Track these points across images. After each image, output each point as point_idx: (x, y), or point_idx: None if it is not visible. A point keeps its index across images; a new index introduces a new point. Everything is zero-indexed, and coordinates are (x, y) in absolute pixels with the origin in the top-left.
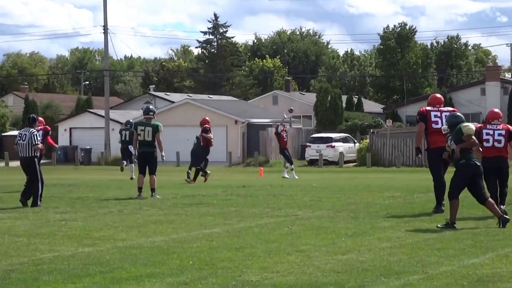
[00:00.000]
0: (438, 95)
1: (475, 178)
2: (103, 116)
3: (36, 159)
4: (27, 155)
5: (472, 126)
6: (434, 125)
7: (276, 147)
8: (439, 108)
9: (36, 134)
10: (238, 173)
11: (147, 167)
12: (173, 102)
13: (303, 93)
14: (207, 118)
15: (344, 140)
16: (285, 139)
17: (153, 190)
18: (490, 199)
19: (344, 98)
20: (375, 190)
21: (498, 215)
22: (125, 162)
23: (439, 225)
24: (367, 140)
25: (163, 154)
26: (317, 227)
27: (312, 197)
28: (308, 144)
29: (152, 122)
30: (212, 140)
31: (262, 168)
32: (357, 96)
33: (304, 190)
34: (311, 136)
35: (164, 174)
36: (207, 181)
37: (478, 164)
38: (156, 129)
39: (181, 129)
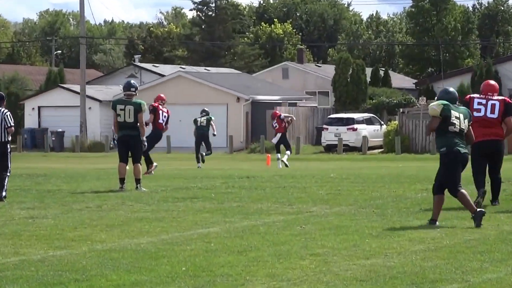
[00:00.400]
0: (492, 82)
1: (458, 165)
2: (78, 93)
3: (9, 145)
4: (2, 140)
5: (435, 105)
6: (475, 113)
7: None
8: (487, 96)
9: (9, 115)
10: (241, 161)
11: (129, 154)
12: (162, 75)
13: (319, 65)
14: (162, 94)
15: (368, 121)
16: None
17: (138, 181)
18: (463, 190)
19: (368, 71)
20: (406, 182)
21: (473, 209)
22: None
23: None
24: (396, 122)
25: (144, 139)
26: (336, 226)
27: (329, 190)
28: (325, 126)
29: (133, 99)
30: (163, 123)
31: (269, 155)
32: (384, 69)
33: (320, 182)
34: (329, 117)
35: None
36: (151, 173)
37: (463, 151)
38: (138, 108)
39: (173, 108)
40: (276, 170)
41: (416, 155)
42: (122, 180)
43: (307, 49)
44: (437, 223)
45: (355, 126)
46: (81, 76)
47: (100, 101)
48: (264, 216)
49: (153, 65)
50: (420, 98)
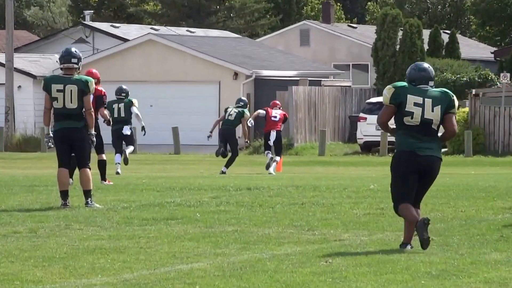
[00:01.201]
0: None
1: (407, 173)
2: (2, 65)
3: None
4: None
5: (386, 89)
6: None
7: (306, 121)
8: None
9: None
10: (239, 166)
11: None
12: (125, 39)
13: (354, 25)
14: (94, 70)
15: None
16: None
17: (88, 194)
18: (406, 205)
19: (426, 34)
20: (480, 197)
21: (407, 239)
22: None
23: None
24: (466, 109)
25: (93, 132)
26: (377, 261)
27: (368, 209)
28: (362, 115)
29: (76, 75)
30: (107, 115)
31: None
32: (448, 32)
33: (355, 197)
34: (368, 101)
35: (109, 165)
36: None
37: (423, 153)
38: (84, 88)
39: (140, 87)
40: (292, 178)
41: (495, 158)
42: (64, 194)
43: (337, 3)
44: (409, 246)
45: None
46: (6, 40)
47: (34, 77)
48: (273, 246)
49: (112, 25)
50: (501, 74)
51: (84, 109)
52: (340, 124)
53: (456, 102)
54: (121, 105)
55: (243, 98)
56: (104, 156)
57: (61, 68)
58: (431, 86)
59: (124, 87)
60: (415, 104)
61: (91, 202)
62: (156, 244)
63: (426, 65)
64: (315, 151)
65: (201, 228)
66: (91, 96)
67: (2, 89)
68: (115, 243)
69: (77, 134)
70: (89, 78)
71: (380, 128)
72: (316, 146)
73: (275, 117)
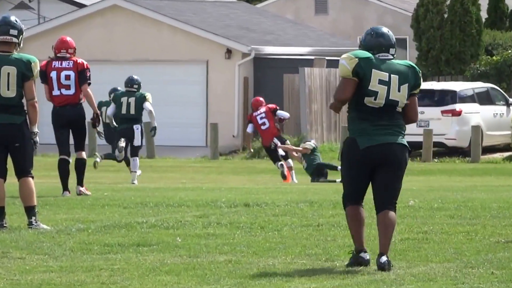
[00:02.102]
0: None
1: (361, 167)
2: None
3: None
4: None
5: (346, 58)
6: None
7: (324, 114)
8: None
9: None
10: (234, 174)
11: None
12: (81, 5)
13: None
14: (68, 38)
15: (484, 98)
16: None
17: (31, 211)
18: (354, 206)
19: (483, 1)
20: None
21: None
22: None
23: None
24: None
25: (36, 131)
26: None
27: (406, 232)
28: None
29: (14, 54)
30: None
31: (287, 162)
32: None
33: None
34: None
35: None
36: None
37: (382, 140)
38: (26, 71)
39: (101, 68)
40: (304, 192)
41: None
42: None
43: None
44: (366, 254)
45: (458, 107)
46: None
47: None
48: (279, 282)
49: None
50: None
51: (25, 99)
52: None
53: (421, 80)
54: (132, 100)
55: (135, 77)
56: (84, 154)
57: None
58: (392, 55)
59: (135, 77)
60: (381, 82)
61: (36, 222)
62: (123, 279)
63: (385, 29)
64: (335, 154)
65: (183, 257)
66: (36, 80)
67: None
68: (68, 277)
69: (16, 132)
70: (33, 57)
71: (334, 108)
72: (337, 148)
73: (264, 124)
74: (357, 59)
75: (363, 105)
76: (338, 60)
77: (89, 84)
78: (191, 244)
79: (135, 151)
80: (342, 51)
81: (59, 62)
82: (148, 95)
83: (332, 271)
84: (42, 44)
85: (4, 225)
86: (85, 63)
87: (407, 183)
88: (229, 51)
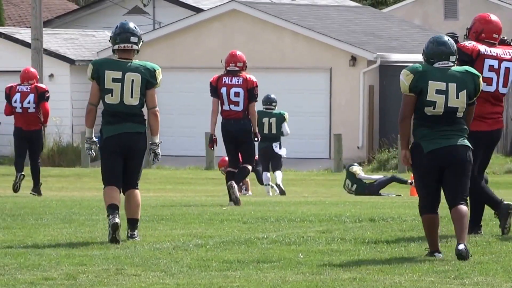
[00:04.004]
0: (493, 17)
1: (431, 170)
2: (26, 44)
3: None
4: None
5: (403, 75)
6: (485, 87)
7: None
8: (497, 53)
9: None
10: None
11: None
12: (198, 9)
13: None
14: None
15: None
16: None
17: (135, 223)
18: (432, 215)
19: None
20: None
21: (435, 247)
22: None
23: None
24: None
25: (157, 142)
26: None
27: None
28: None
29: (133, 60)
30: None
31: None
32: None
33: None
34: None
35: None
36: None
37: (450, 143)
38: (152, 79)
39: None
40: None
41: None
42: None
43: None
44: (440, 254)
45: None
46: (32, 10)
47: (72, 61)
48: None
49: None
50: None
51: (147, 108)
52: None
53: (482, 86)
54: (273, 120)
55: (273, 96)
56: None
57: (115, 50)
58: (453, 62)
59: (272, 96)
60: (438, 92)
61: (137, 235)
62: None
63: (446, 38)
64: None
65: (306, 274)
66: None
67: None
68: None
69: (139, 141)
70: (156, 65)
71: (401, 124)
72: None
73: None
74: (412, 74)
75: (424, 114)
76: None
77: (256, 101)
78: (314, 261)
79: (277, 163)
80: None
81: (229, 78)
82: (286, 115)
83: None
84: (157, 51)
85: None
86: (255, 81)
87: None
88: (353, 58)
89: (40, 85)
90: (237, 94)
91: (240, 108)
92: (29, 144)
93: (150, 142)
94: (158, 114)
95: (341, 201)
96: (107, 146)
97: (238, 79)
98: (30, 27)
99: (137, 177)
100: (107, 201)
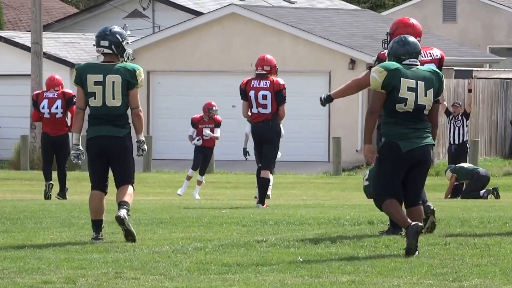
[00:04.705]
0: (413, 21)
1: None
2: (26, 48)
3: None
4: None
5: (375, 72)
6: None
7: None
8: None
9: None
10: (358, 190)
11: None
12: (197, 13)
13: None
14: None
15: None
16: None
17: (124, 204)
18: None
19: None
20: None
21: (406, 223)
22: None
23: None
24: None
25: (142, 139)
26: None
27: None
28: None
29: (119, 62)
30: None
31: None
32: None
33: None
34: None
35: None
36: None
37: (415, 144)
38: (132, 79)
39: (218, 79)
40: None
41: None
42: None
43: None
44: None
45: None
46: (32, 14)
47: (71, 65)
48: None
49: None
50: None
51: (130, 108)
52: (499, 132)
53: (444, 85)
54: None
55: None
56: (269, 174)
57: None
58: (419, 62)
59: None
60: (409, 89)
61: (126, 216)
62: None
63: (411, 38)
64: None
65: (305, 278)
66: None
67: (27, 83)
68: None
69: (118, 145)
70: (137, 66)
71: (369, 120)
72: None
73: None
74: (386, 71)
75: (395, 110)
76: (467, 70)
77: (285, 103)
78: (313, 264)
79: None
80: (470, 61)
81: (258, 81)
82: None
83: None
84: (157, 54)
85: (100, 237)
86: (282, 83)
87: None
88: (353, 62)
89: (67, 90)
90: (264, 97)
91: (268, 110)
92: (56, 149)
93: (136, 140)
94: (141, 114)
95: (340, 204)
96: (88, 147)
97: (266, 82)
98: (30, 31)
99: (126, 177)
100: (91, 213)
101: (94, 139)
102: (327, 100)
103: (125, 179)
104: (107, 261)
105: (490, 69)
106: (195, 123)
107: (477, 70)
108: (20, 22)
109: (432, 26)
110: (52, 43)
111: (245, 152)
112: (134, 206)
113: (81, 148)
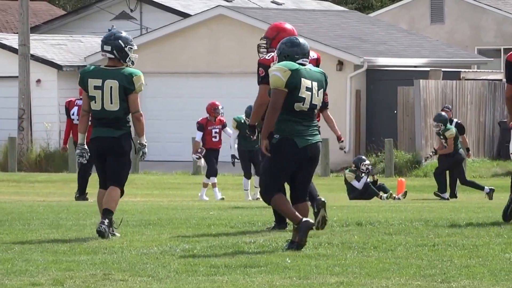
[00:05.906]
0: (288, 25)
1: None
2: (13, 50)
3: None
4: None
5: (279, 71)
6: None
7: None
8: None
9: None
10: (345, 191)
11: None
12: (185, 14)
13: None
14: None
15: None
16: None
17: (107, 213)
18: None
19: None
20: None
21: (297, 219)
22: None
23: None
24: None
25: (144, 143)
26: None
27: None
28: None
29: (121, 67)
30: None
31: (402, 179)
32: None
33: (508, 235)
34: None
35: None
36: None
37: (309, 142)
38: (129, 85)
39: (206, 81)
40: (419, 210)
41: None
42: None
43: None
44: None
45: None
46: (19, 16)
47: (59, 67)
48: None
49: None
50: None
51: (130, 112)
52: (487, 133)
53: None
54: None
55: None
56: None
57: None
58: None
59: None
60: (307, 89)
61: (107, 225)
62: None
63: (301, 39)
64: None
65: (293, 279)
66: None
67: (15, 85)
68: None
69: (113, 145)
70: (135, 71)
71: (269, 118)
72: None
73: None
74: (290, 71)
75: (292, 109)
76: (455, 71)
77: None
78: (301, 265)
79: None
80: (458, 62)
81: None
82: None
83: None
84: (144, 56)
85: (105, 224)
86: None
87: None
88: (340, 63)
89: None
90: None
91: None
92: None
93: (138, 142)
94: (141, 117)
95: (327, 205)
96: (89, 148)
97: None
98: (17, 33)
99: (117, 177)
100: (99, 209)
101: (94, 141)
102: (250, 131)
103: (115, 179)
104: (95, 262)
105: (478, 70)
106: (203, 126)
107: (465, 71)
108: (7, 24)
109: (419, 27)
110: (40, 45)
111: (234, 158)
112: (122, 207)
113: (85, 147)
